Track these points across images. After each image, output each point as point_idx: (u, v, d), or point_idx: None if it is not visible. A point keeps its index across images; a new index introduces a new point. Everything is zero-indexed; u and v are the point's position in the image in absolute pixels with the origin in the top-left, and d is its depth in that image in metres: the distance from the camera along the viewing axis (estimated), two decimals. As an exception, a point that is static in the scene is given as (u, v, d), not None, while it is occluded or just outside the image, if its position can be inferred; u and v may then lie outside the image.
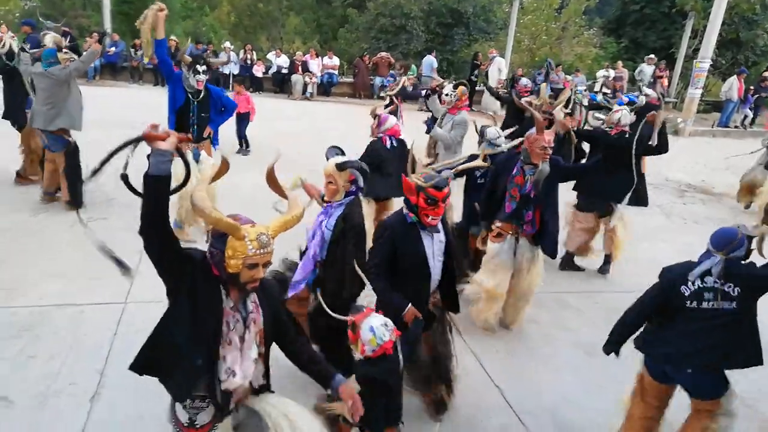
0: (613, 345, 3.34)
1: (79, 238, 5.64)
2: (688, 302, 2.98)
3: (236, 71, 16.24)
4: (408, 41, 19.77)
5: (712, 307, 2.95)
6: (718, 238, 3.03)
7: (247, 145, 9.44)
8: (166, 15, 5.09)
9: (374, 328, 2.61)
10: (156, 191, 2.02)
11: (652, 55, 17.65)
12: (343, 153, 3.62)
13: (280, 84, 16.80)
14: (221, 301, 2.23)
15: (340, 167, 3.33)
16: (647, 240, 6.99)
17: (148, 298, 4.30)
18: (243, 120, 9.20)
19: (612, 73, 16.51)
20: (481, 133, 5.16)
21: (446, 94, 6.30)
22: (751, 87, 16.21)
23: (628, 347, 4.53)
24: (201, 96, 5.47)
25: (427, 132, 6.59)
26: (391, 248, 3.07)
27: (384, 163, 5.31)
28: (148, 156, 2.02)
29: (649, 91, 9.06)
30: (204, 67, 5.37)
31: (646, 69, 17.10)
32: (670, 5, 19.38)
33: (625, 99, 7.29)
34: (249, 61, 16.65)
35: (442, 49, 20.56)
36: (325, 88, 16.97)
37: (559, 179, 4.43)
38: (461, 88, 6.25)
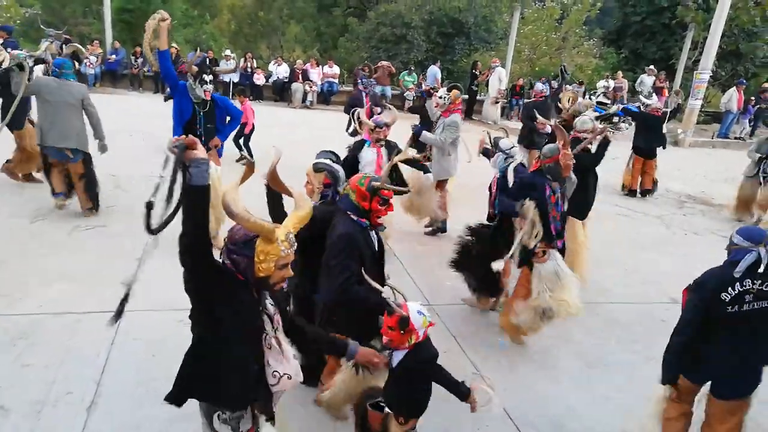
0: (672, 375, 3.17)
1: (77, 244, 5.61)
2: (729, 308, 2.91)
3: (236, 79, 16.28)
4: (408, 51, 19.85)
5: (753, 308, 2.90)
6: (751, 231, 2.96)
7: (250, 155, 9.43)
8: (170, 25, 5.02)
9: (420, 311, 2.68)
10: (203, 202, 1.96)
11: (653, 66, 17.72)
12: (337, 157, 3.64)
13: (280, 92, 16.84)
14: (258, 304, 2.23)
15: (315, 168, 3.47)
16: (647, 251, 6.98)
17: (146, 307, 4.27)
18: (242, 129, 9.21)
19: (612, 83, 16.58)
20: (495, 145, 5.02)
21: (440, 97, 6.38)
22: (752, 98, 16.26)
23: (630, 357, 4.54)
24: (207, 106, 5.41)
25: (415, 136, 6.53)
26: (358, 254, 3.06)
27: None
28: (185, 167, 1.93)
29: (651, 101, 9.09)
30: (210, 77, 5.35)
31: (647, 80, 17.17)
32: (670, 17, 19.51)
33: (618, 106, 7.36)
34: (249, 70, 16.68)
35: (443, 59, 20.63)
36: (325, 97, 17.02)
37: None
38: (455, 91, 6.31)
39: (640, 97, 11.34)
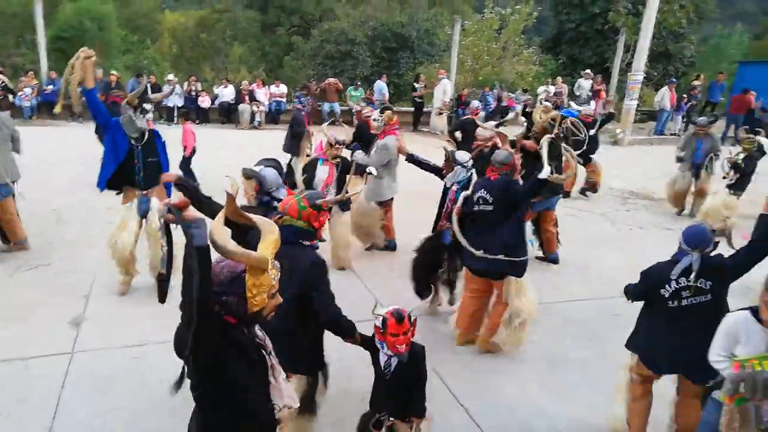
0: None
1: (21, 284, 5.37)
2: (669, 302, 3.16)
3: (180, 103, 16.02)
4: (354, 66, 20.02)
5: (691, 303, 3.13)
6: (691, 236, 3.17)
7: (193, 179, 9.25)
8: (95, 62, 4.68)
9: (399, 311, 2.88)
10: (207, 262, 1.84)
11: (589, 71, 18.43)
12: (278, 165, 3.65)
13: (227, 114, 16.66)
14: (253, 340, 2.13)
15: (244, 174, 3.48)
16: (596, 248, 7.20)
17: (98, 346, 4.12)
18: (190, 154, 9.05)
19: (552, 89, 17.13)
20: (453, 158, 5.02)
21: (374, 120, 6.37)
22: (684, 96, 17.10)
23: (589, 353, 4.67)
24: (145, 139, 4.98)
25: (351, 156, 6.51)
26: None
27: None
28: (186, 228, 1.85)
29: (581, 108, 9.47)
30: (150, 105, 5.03)
31: (584, 84, 17.83)
32: (602, 22, 20.36)
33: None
34: (194, 93, 16.44)
35: (389, 73, 20.87)
36: (274, 116, 16.92)
37: None
38: (387, 113, 6.30)
39: (571, 103, 11.80)
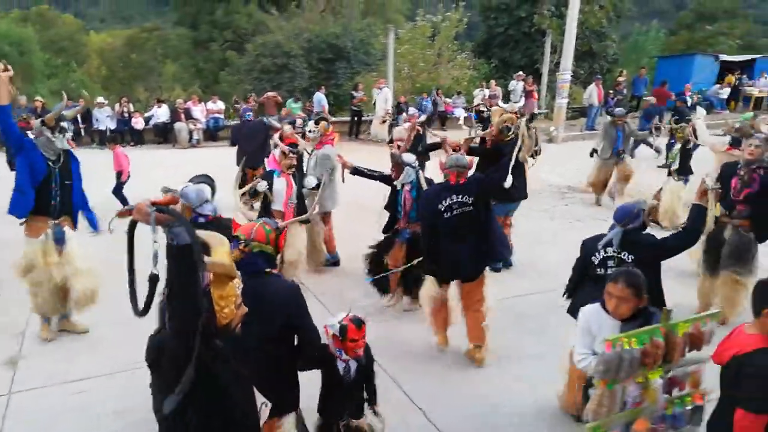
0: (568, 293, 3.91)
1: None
2: (598, 270, 3.47)
3: (113, 126, 15.50)
4: (292, 79, 19.91)
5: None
6: (619, 212, 3.49)
7: (124, 203, 8.94)
8: (10, 77, 4.26)
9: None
10: (200, 256, 1.78)
11: (521, 72, 19.03)
12: (210, 182, 3.63)
13: (163, 134, 16.21)
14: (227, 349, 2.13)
15: (162, 192, 3.49)
16: (539, 243, 7.43)
17: (37, 385, 3.92)
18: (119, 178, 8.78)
19: (487, 92, 17.58)
20: (401, 162, 5.25)
21: (309, 131, 6.43)
22: (610, 91, 17.90)
23: (542, 348, 4.79)
24: (62, 160, 4.61)
25: None
26: None
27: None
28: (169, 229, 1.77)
29: (506, 105, 9.89)
30: (67, 123, 4.74)
31: (517, 85, 18.39)
32: (529, 26, 21.07)
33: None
34: (126, 114, 15.92)
35: (327, 84, 20.89)
36: (212, 134, 16.61)
37: None
38: (323, 123, 6.39)
39: (499, 102, 12.23)
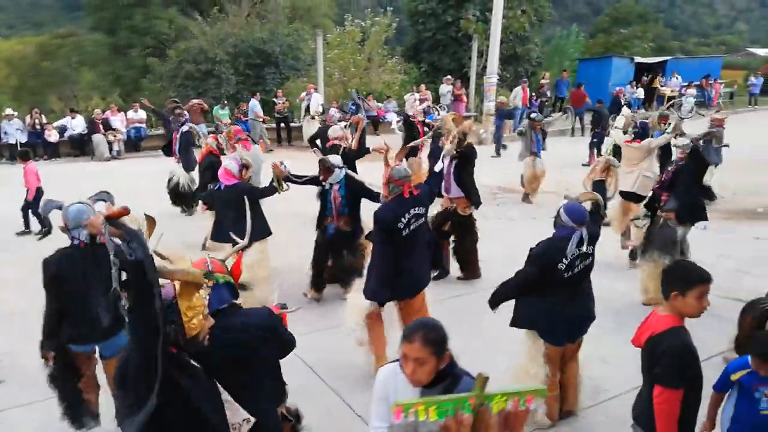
0: (495, 305, 3.84)
1: None
2: (565, 274, 3.47)
3: (24, 139, 14.47)
4: (218, 85, 19.35)
5: (581, 268, 3.52)
6: (575, 214, 3.51)
7: (27, 225, 8.37)
8: None
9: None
10: (145, 277, 1.73)
11: (449, 76, 19.35)
12: (108, 197, 3.40)
13: (80, 146, 15.29)
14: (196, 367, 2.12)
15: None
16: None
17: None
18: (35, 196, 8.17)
19: (417, 96, 17.73)
20: (329, 164, 5.54)
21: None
22: (533, 94, 18.51)
23: (480, 344, 4.78)
24: None
25: None
26: None
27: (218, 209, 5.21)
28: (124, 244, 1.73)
29: (444, 113, 10.24)
30: None
31: (446, 89, 18.68)
32: (456, 30, 21.48)
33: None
34: (39, 126, 14.89)
35: (256, 90, 20.44)
36: (134, 144, 15.84)
37: None
38: (233, 127, 6.68)
39: (438, 108, 12.46)
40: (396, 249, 4.23)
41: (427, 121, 10.21)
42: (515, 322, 3.74)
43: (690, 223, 5.58)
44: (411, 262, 4.31)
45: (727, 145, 8.80)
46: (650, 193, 6.99)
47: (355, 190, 5.58)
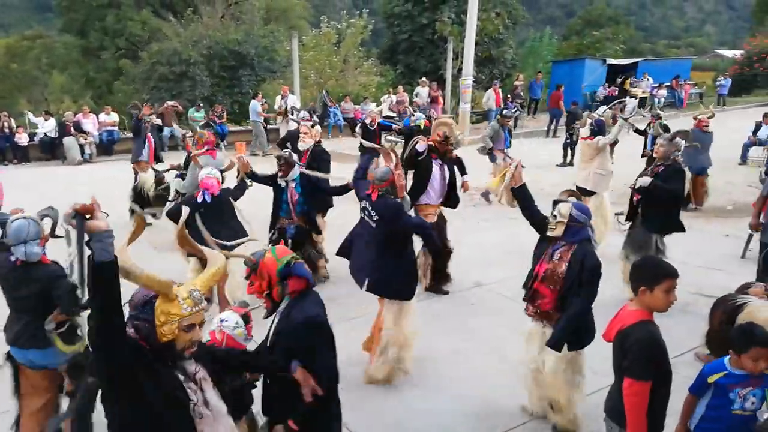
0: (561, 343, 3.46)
1: None
2: None
3: (-8, 142, 14.15)
4: (192, 87, 19.11)
5: None
6: (587, 211, 3.52)
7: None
8: None
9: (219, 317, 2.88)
10: (110, 278, 1.73)
11: (425, 78, 19.43)
12: (54, 213, 3.38)
13: (51, 150, 14.98)
14: (173, 372, 2.00)
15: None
16: (451, 242, 7.51)
17: None
18: None
19: (394, 98, 17.78)
20: (289, 159, 5.72)
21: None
22: (509, 96, 18.70)
23: (456, 346, 4.81)
24: None
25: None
26: None
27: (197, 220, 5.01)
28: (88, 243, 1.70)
29: (419, 115, 10.37)
30: None
31: (422, 91, 18.75)
32: (432, 32, 21.58)
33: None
34: (7, 130, 14.57)
35: (231, 92, 20.26)
36: (106, 148, 15.55)
37: None
38: (207, 132, 6.60)
39: (415, 111, 12.63)
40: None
41: (394, 127, 10.44)
42: (578, 344, 3.50)
43: (660, 234, 5.63)
44: (356, 251, 4.45)
45: (697, 145, 8.94)
46: (602, 189, 7.28)
47: (312, 185, 5.77)
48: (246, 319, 2.95)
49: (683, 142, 5.66)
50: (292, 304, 2.66)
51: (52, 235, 3.36)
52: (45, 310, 3.22)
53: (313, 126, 7.93)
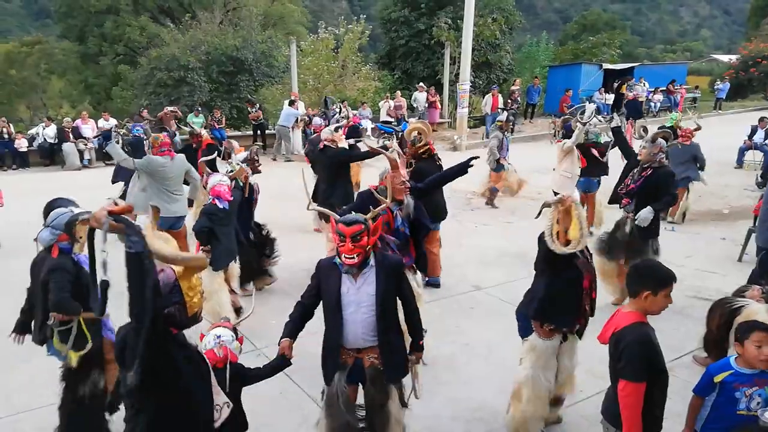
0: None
1: None
2: None
3: (-8, 149, 14.19)
4: (191, 93, 19.14)
5: None
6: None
7: None
8: None
9: (207, 335, 2.77)
10: (148, 268, 1.89)
11: (422, 84, 19.50)
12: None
13: (50, 155, 15.01)
14: (197, 351, 2.37)
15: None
16: (446, 247, 7.52)
17: None
18: None
19: (392, 103, 17.85)
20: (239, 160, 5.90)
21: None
22: (509, 101, 18.76)
23: (451, 348, 4.83)
24: None
25: None
26: (316, 284, 3.18)
27: (215, 230, 5.00)
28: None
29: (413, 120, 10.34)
30: None
31: (420, 96, 18.83)
32: (429, 38, 21.67)
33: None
34: (7, 136, 14.61)
35: (229, 97, 20.28)
36: (105, 153, 15.56)
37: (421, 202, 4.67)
38: (162, 135, 6.74)
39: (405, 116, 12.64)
40: None
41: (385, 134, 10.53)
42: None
43: (654, 238, 5.64)
44: None
45: (677, 144, 8.72)
46: (570, 191, 7.29)
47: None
48: (236, 333, 2.92)
49: (665, 142, 5.66)
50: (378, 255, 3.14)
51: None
52: (46, 303, 3.27)
53: (336, 130, 7.89)
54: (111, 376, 3.52)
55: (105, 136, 14.40)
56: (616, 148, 6.65)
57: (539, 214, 3.52)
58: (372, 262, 3.08)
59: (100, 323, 3.42)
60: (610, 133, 7.02)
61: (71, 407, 3.43)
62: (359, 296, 3.04)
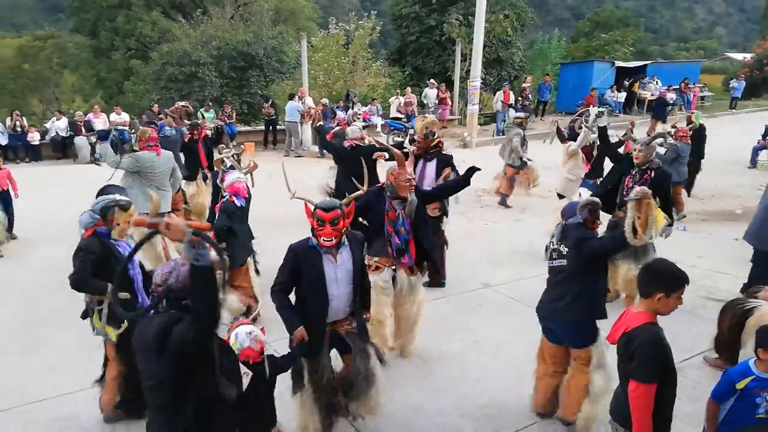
0: None
1: None
2: (549, 262, 3.66)
3: (4, 142, 14.29)
4: (202, 88, 19.23)
5: (555, 264, 3.63)
6: (565, 209, 3.69)
7: (11, 226, 8.19)
8: None
9: (237, 334, 2.96)
10: (212, 281, 2.09)
11: (433, 80, 19.44)
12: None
13: (62, 149, 15.12)
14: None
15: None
16: (457, 244, 7.49)
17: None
18: (4, 199, 8.04)
19: (402, 99, 17.82)
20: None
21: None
22: (519, 98, 18.65)
23: (461, 345, 4.83)
24: None
25: None
26: (293, 268, 3.32)
27: (233, 227, 5.06)
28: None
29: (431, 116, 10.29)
30: None
31: (430, 93, 18.77)
32: (440, 34, 21.60)
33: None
34: (20, 129, 14.73)
35: (240, 93, 20.34)
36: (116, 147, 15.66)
37: (423, 204, 4.57)
38: (140, 130, 6.59)
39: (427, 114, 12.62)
40: None
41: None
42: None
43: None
44: None
45: (676, 145, 8.62)
46: (570, 194, 7.28)
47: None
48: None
49: (660, 144, 5.58)
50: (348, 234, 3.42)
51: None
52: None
53: (364, 128, 7.84)
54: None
55: (101, 136, 14.54)
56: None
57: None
58: (345, 240, 3.39)
59: (135, 303, 3.45)
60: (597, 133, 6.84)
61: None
62: (340, 272, 3.36)
